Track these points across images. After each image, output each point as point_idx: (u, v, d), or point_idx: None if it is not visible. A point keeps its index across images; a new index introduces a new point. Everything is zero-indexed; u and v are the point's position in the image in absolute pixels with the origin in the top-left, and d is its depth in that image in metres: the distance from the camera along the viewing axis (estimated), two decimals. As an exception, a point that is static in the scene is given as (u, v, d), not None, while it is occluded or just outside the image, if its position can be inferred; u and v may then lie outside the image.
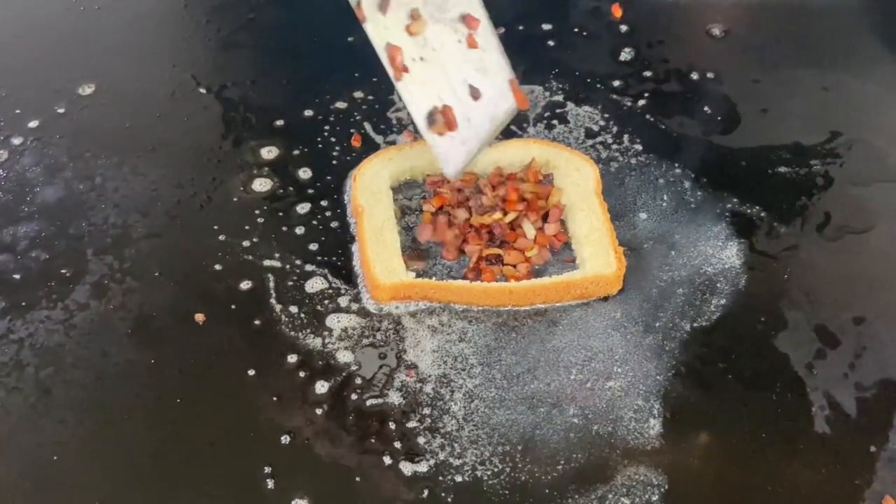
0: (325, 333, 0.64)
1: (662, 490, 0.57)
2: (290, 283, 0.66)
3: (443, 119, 0.63)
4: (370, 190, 0.70)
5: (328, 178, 0.73)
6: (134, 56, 0.83)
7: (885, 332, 0.64)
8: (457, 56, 0.65)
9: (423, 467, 0.57)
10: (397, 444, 0.58)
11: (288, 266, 0.67)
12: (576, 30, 0.86)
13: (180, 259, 0.68)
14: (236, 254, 0.68)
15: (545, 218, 0.69)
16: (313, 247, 0.69)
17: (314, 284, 0.66)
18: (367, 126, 0.77)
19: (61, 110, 0.78)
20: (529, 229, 0.67)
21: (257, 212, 0.71)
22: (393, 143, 0.75)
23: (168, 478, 0.57)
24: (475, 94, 0.64)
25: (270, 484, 0.57)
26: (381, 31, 0.63)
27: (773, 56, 0.84)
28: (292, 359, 0.62)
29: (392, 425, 0.59)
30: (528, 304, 0.65)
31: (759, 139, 0.77)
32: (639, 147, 0.76)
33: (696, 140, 0.77)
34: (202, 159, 0.75)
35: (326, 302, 0.65)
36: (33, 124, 0.77)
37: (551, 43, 0.84)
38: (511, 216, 0.68)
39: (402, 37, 0.64)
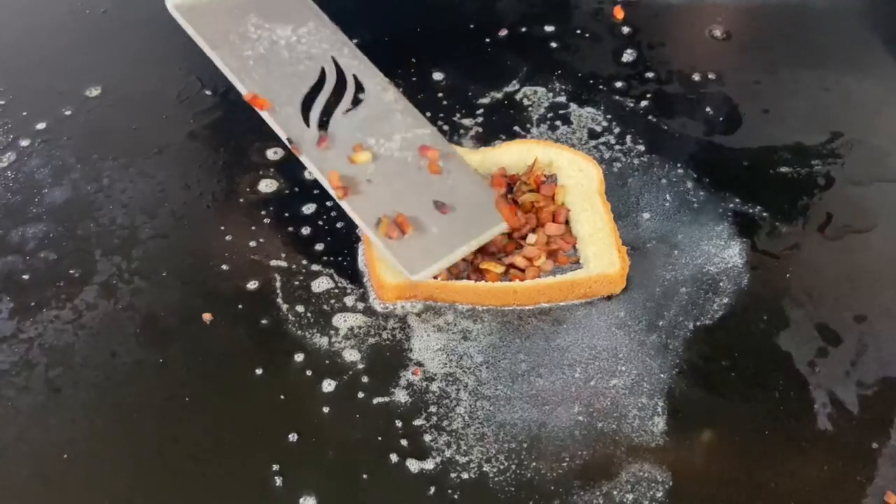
0: (332, 332, 0.64)
1: (667, 486, 0.57)
2: (297, 283, 0.67)
3: (393, 224, 0.64)
4: (375, 190, 0.70)
5: (333, 178, 0.74)
6: (140, 58, 0.84)
7: (887, 331, 0.65)
8: (416, 178, 0.67)
9: (429, 465, 0.58)
10: (404, 442, 0.59)
11: (294, 266, 0.68)
12: (578, 32, 0.86)
13: (187, 259, 0.69)
14: (243, 254, 0.69)
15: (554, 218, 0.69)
16: (319, 247, 0.69)
17: (320, 284, 0.67)
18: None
19: (68, 112, 0.79)
20: (531, 238, 0.67)
21: (263, 212, 0.71)
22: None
23: (176, 476, 0.58)
24: (442, 208, 0.65)
25: (278, 482, 0.57)
26: (318, 162, 0.65)
27: (774, 57, 0.84)
28: (299, 358, 0.63)
29: (398, 423, 0.60)
30: (532, 303, 0.66)
31: (761, 139, 0.77)
32: (641, 147, 0.76)
33: (699, 140, 0.77)
34: (209, 160, 0.75)
35: (333, 301, 0.66)
36: (41, 126, 0.77)
37: (554, 45, 0.85)
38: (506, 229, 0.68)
39: (345, 165, 0.66)
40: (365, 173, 0.65)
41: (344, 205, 0.64)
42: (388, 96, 0.70)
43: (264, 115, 0.66)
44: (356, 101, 0.69)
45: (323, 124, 0.67)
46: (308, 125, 0.67)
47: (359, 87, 0.69)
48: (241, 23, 0.68)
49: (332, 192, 0.65)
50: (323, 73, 0.69)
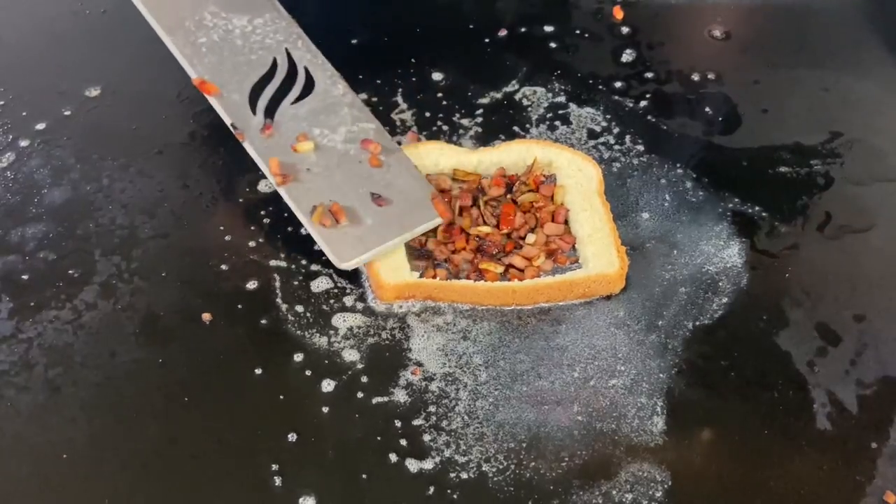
0: (331, 332, 0.64)
1: (666, 486, 0.57)
2: (296, 283, 0.67)
3: (328, 212, 0.65)
4: (375, 190, 0.70)
5: (333, 178, 0.74)
6: (140, 58, 0.83)
7: (886, 330, 0.65)
8: (356, 171, 0.68)
9: (428, 465, 0.58)
10: (403, 442, 0.59)
11: (294, 266, 0.68)
12: (577, 32, 0.86)
13: (187, 259, 0.69)
14: (242, 254, 0.69)
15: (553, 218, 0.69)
16: (318, 246, 0.69)
17: (320, 284, 0.67)
18: (372, 127, 0.77)
19: (68, 112, 0.79)
20: (531, 238, 0.68)
21: (263, 212, 0.72)
22: (398, 143, 0.76)
23: (176, 476, 0.58)
24: (378, 200, 0.66)
25: (278, 481, 0.57)
26: (261, 149, 0.67)
27: (774, 57, 0.84)
28: (298, 357, 0.63)
29: (398, 423, 0.60)
30: (531, 303, 0.66)
31: (760, 139, 0.77)
32: (641, 147, 0.76)
33: (698, 140, 0.77)
34: (208, 160, 0.75)
35: (332, 301, 0.66)
36: (40, 126, 0.77)
37: (553, 45, 0.85)
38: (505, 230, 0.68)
39: (287, 154, 0.67)
40: (306, 163, 0.67)
41: (281, 192, 0.66)
42: (337, 90, 0.71)
43: (212, 100, 0.68)
44: (304, 93, 0.71)
45: (269, 113, 0.68)
46: (254, 113, 0.68)
47: (309, 80, 0.70)
48: (199, 10, 0.70)
49: (271, 179, 0.66)
50: (275, 63, 0.71)
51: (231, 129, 0.67)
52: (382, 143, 0.69)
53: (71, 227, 0.71)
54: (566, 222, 0.69)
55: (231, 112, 0.67)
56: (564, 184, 0.71)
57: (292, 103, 0.69)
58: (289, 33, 0.72)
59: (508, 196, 0.70)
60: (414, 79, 0.81)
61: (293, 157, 0.66)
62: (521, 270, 0.66)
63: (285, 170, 0.66)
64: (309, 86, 0.70)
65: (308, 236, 0.70)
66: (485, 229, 0.68)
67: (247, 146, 0.66)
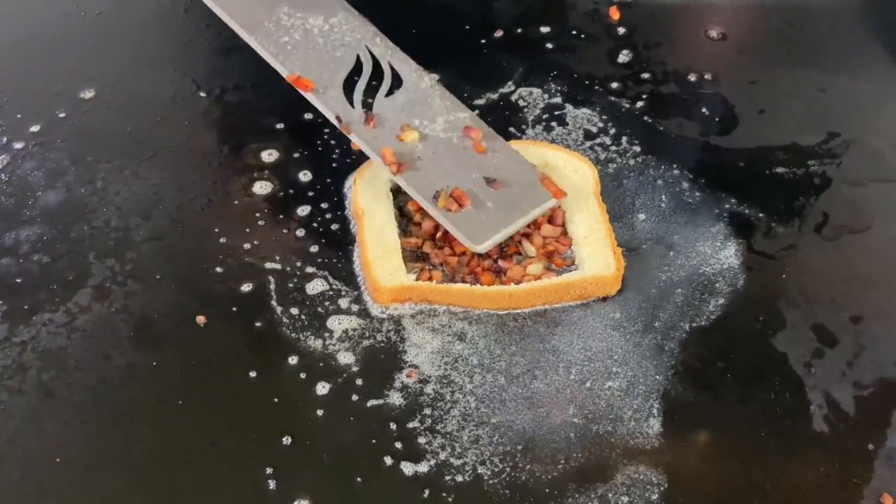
0: (326, 335, 0.64)
1: (662, 489, 0.57)
2: (291, 285, 0.67)
3: (451, 197, 0.66)
4: (371, 192, 0.70)
5: (328, 180, 0.73)
6: (134, 60, 0.83)
7: (883, 331, 0.65)
8: (464, 157, 0.68)
9: (423, 467, 0.58)
10: (398, 445, 0.59)
11: (289, 268, 0.68)
12: (574, 32, 0.86)
13: (181, 262, 0.68)
14: (237, 256, 0.69)
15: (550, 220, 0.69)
16: (314, 249, 0.69)
17: (315, 286, 0.67)
18: (367, 129, 0.77)
19: (62, 115, 0.78)
20: (530, 249, 0.67)
21: (258, 214, 0.71)
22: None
23: (170, 479, 0.58)
24: (493, 184, 0.67)
25: (272, 485, 0.57)
26: (369, 140, 0.68)
27: (771, 57, 0.84)
28: (293, 360, 0.63)
29: (393, 426, 0.60)
30: (528, 305, 0.65)
31: (757, 140, 0.77)
32: (637, 148, 0.76)
33: (694, 141, 0.77)
34: (203, 163, 0.75)
35: (327, 304, 0.66)
36: (34, 129, 0.77)
37: (550, 45, 0.85)
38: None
39: (394, 143, 0.68)
40: (414, 152, 0.67)
41: (399, 180, 0.66)
42: (424, 82, 0.72)
43: (308, 96, 0.68)
44: (395, 87, 0.71)
45: (367, 106, 0.69)
46: (353, 106, 0.69)
47: (395, 74, 0.71)
48: (274, 11, 0.71)
49: (384, 169, 0.67)
50: (358, 59, 0.72)
51: (335, 122, 0.68)
52: (483, 129, 0.70)
53: (65, 229, 0.70)
54: (562, 224, 0.69)
55: (331, 106, 0.68)
56: (561, 185, 0.71)
57: (385, 97, 0.70)
58: (365, 31, 0.73)
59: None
60: (410, 80, 0.81)
61: (401, 147, 0.67)
62: (518, 282, 0.66)
63: (398, 159, 0.66)
64: (397, 79, 0.71)
65: (302, 238, 0.70)
66: None
67: (354, 139, 0.67)
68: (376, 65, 0.72)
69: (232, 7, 0.71)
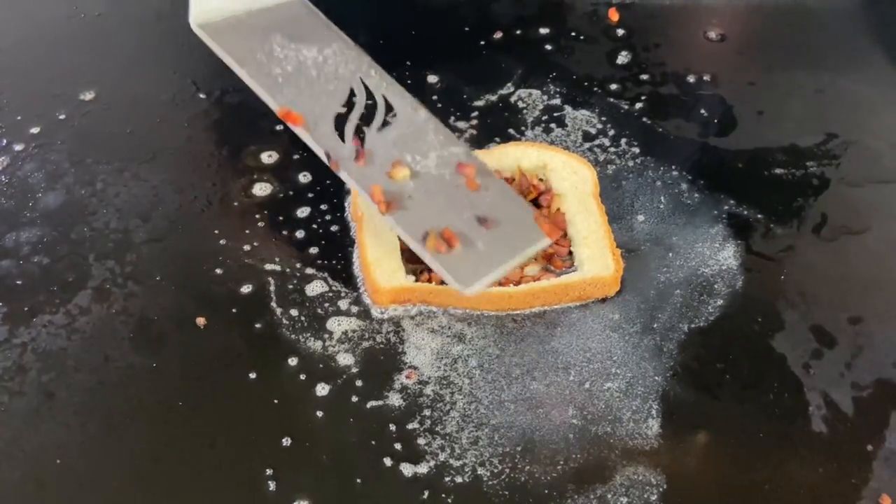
0: (326, 336, 0.64)
1: (661, 490, 0.57)
2: (291, 287, 0.67)
3: (440, 238, 0.63)
4: (369, 194, 0.70)
5: (328, 182, 0.74)
6: (134, 62, 0.84)
7: (881, 332, 0.65)
8: (456, 195, 0.66)
9: (423, 468, 0.58)
10: (398, 446, 0.59)
11: (288, 269, 0.68)
12: (573, 34, 0.86)
13: (181, 263, 0.69)
14: (237, 258, 0.69)
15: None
16: (313, 250, 0.69)
17: (315, 288, 0.67)
18: (367, 130, 0.77)
19: (62, 116, 0.78)
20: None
21: (258, 216, 0.71)
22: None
23: (170, 480, 0.58)
24: (485, 223, 0.65)
25: (272, 486, 0.57)
26: (359, 177, 0.65)
27: (769, 58, 0.84)
28: (293, 362, 0.63)
29: (392, 427, 0.60)
30: (526, 307, 0.66)
31: (756, 141, 0.77)
32: (636, 150, 0.76)
33: (693, 142, 0.77)
34: (203, 164, 0.75)
35: (327, 305, 0.66)
36: (34, 130, 0.77)
37: (549, 47, 0.85)
38: None
39: (385, 181, 0.65)
40: (404, 189, 0.65)
41: (388, 220, 0.64)
42: (419, 116, 0.70)
43: (298, 131, 0.66)
44: (388, 121, 0.69)
45: (358, 141, 0.67)
46: (343, 141, 0.66)
47: (389, 107, 0.69)
48: (267, 42, 0.69)
49: (373, 208, 0.64)
50: (352, 92, 0.69)
51: (324, 158, 0.65)
52: (476, 165, 0.68)
53: (65, 231, 0.70)
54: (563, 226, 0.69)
55: (321, 141, 0.66)
56: (560, 186, 0.71)
57: (378, 131, 0.68)
58: (360, 62, 0.71)
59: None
60: (409, 81, 0.80)
61: (391, 185, 0.65)
62: (517, 283, 0.66)
63: (387, 197, 0.64)
64: (390, 113, 0.69)
65: (302, 240, 0.70)
66: None
67: (343, 176, 0.65)
68: (370, 98, 0.69)
69: (224, 39, 0.68)
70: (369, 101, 0.69)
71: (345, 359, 0.63)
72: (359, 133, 0.67)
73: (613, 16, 0.87)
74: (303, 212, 0.72)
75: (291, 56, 0.69)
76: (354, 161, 0.65)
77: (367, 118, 0.68)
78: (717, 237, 0.70)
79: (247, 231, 0.70)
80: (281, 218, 0.71)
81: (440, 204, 0.65)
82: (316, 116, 0.66)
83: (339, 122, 0.67)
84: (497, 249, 0.64)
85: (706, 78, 0.82)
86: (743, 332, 0.65)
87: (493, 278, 0.63)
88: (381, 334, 0.64)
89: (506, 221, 0.65)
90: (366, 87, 0.69)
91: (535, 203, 0.70)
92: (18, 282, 0.67)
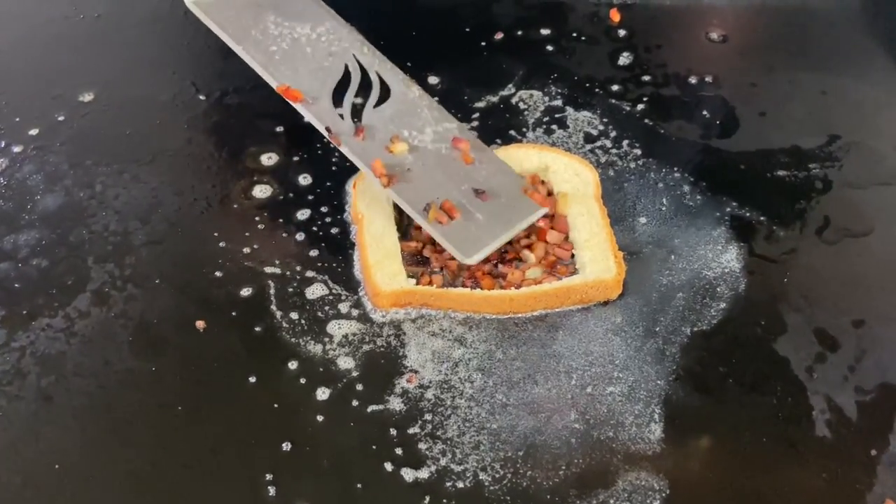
0: (326, 340, 0.64)
1: (664, 495, 0.57)
2: (291, 290, 0.66)
3: (440, 210, 0.66)
4: (370, 196, 0.70)
5: (328, 184, 0.73)
6: (134, 63, 0.83)
7: (885, 336, 0.64)
8: (453, 168, 0.68)
9: (424, 473, 0.57)
10: (398, 451, 0.58)
11: (288, 272, 0.68)
12: (574, 35, 0.86)
13: (181, 266, 0.68)
14: (237, 260, 0.68)
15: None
16: (314, 253, 0.69)
17: (315, 291, 0.67)
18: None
19: (61, 118, 0.78)
20: (530, 257, 0.67)
21: (257, 218, 0.71)
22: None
23: (169, 485, 0.57)
24: (482, 195, 0.67)
25: (272, 491, 0.57)
26: (359, 152, 0.67)
27: (772, 60, 0.84)
28: (293, 365, 0.62)
29: (393, 431, 0.59)
30: (528, 310, 0.65)
31: (758, 143, 0.77)
32: (638, 151, 0.76)
33: (695, 144, 0.77)
34: (202, 166, 0.75)
35: (327, 308, 0.65)
36: (33, 132, 0.77)
37: (550, 48, 0.85)
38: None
39: (384, 154, 0.67)
40: (403, 163, 0.67)
41: (390, 193, 0.66)
42: (412, 93, 0.72)
43: (298, 107, 0.68)
44: (383, 97, 0.71)
45: (356, 116, 0.69)
46: (342, 117, 0.68)
47: (384, 84, 0.71)
48: (261, 20, 0.70)
49: (375, 181, 0.66)
50: (347, 69, 0.71)
51: (325, 133, 0.67)
52: (470, 140, 0.70)
53: (64, 233, 0.70)
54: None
55: (320, 117, 0.68)
56: (561, 188, 0.71)
57: (374, 107, 0.70)
58: (353, 40, 0.72)
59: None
60: (410, 83, 0.81)
61: (390, 159, 0.67)
62: (518, 287, 0.65)
63: (388, 171, 0.66)
64: (385, 89, 0.71)
65: (302, 242, 0.69)
66: None
67: (344, 150, 0.67)
68: (364, 74, 0.71)
69: (220, 16, 0.70)
70: (364, 78, 0.71)
71: (345, 362, 0.63)
72: (357, 109, 0.69)
73: (615, 17, 0.87)
74: (303, 214, 0.71)
75: (286, 33, 0.70)
76: (354, 136, 0.67)
77: (363, 94, 0.70)
78: (720, 239, 0.70)
79: (247, 233, 0.70)
80: (281, 220, 0.71)
81: (438, 177, 0.67)
82: (314, 93, 0.68)
83: (337, 98, 0.69)
84: (495, 220, 0.66)
85: (708, 79, 0.82)
86: (746, 336, 0.64)
87: (492, 248, 0.66)
88: (382, 338, 0.64)
89: (501, 193, 0.68)
90: (360, 64, 0.71)
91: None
92: (17, 285, 0.67)
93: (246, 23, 0.70)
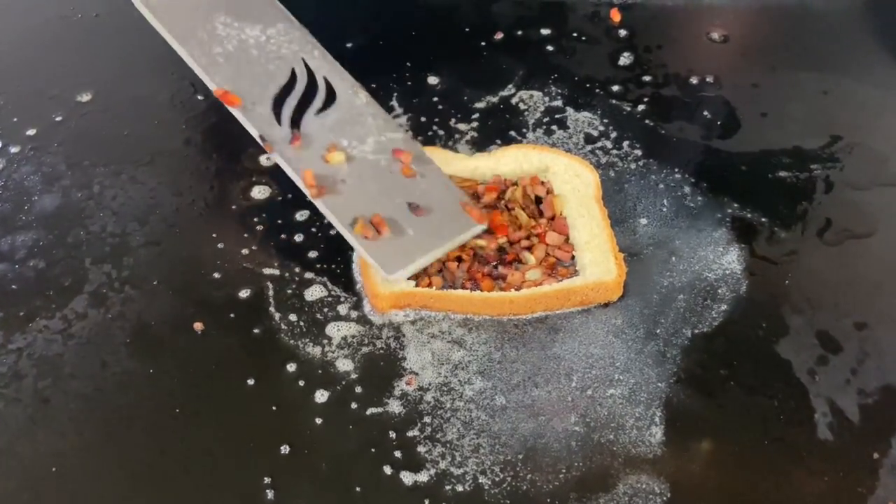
0: (325, 342, 0.63)
1: (665, 498, 0.56)
2: (290, 292, 0.66)
3: (369, 224, 0.64)
4: (369, 197, 0.69)
5: (327, 185, 0.73)
6: (132, 63, 0.83)
7: (887, 338, 0.64)
8: (390, 181, 0.66)
9: (423, 477, 0.57)
10: (398, 454, 0.58)
11: (287, 274, 0.67)
12: (575, 35, 0.85)
13: (179, 267, 0.68)
14: (235, 262, 0.68)
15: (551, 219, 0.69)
16: (312, 254, 0.68)
17: (314, 292, 0.66)
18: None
19: (59, 118, 0.78)
20: (530, 259, 0.67)
21: (256, 219, 0.71)
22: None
23: (167, 488, 0.57)
24: (417, 210, 0.65)
25: (270, 495, 0.56)
26: (292, 160, 0.65)
27: (773, 60, 0.84)
28: (292, 367, 0.62)
29: (392, 434, 0.59)
30: (528, 312, 0.65)
31: (759, 144, 0.76)
32: (638, 152, 0.75)
33: (696, 145, 0.76)
34: (200, 167, 0.75)
35: (326, 310, 0.65)
36: (31, 132, 0.77)
37: (550, 48, 0.84)
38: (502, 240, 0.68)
39: (318, 164, 0.65)
40: (339, 174, 0.65)
41: (318, 204, 0.64)
42: (359, 100, 0.70)
43: (235, 112, 0.66)
44: (327, 104, 0.69)
45: (295, 124, 0.67)
46: (280, 124, 0.66)
47: (330, 90, 0.69)
48: (210, 20, 0.68)
49: (305, 192, 0.64)
50: (293, 73, 0.69)
51: (259, 140, 0.65)
52: (413, 151, 0.68)
53: (61, 234, 0.70)
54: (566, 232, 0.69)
55: (256, 123, 0.65)
56: (562, 189, 0.70)
57: (316, 114, 0.68)
58: (304, 43, 0.70)
59: (502, 202, 0.69)
60: (409, 83, 0.81)
61: (325, 169, 0.65)
62: (518, 288, 0.65)
63: (320, 181, 0.64)
64: (331, 96, 0.69)
65: (301, 244, 0.69)
66: (480, 242, 0.67)
67: (276, 158, 0.65)
68: (311, 80, 0.69)
69: (167, 16, 0.67)
70: (310, 83, 0.69)
71: (344, 365, 0.62)
72: (297, 116, 0.67)
73: (615, 17, 0.86)
74: (302, 215, 0.71)
75: (234, 35, 0.68)
76: (289, 144, 0.65)
77: (305, 100, 0.68)
78: (721, 241, 0.69)
79: (245, 235, 0.70)
80: (280, 221, 0.71)
81: (373, 190, 0.66)
82: (254, 97, 0.66)
83: (278, 104, 0.67)
84: (426, 236, 0.64)
85: (709, 79, 0.81)
86: (747, 338, 0.64)
87: (419, 265, 0.64)
88: (381, 340, 0.64)
89: (438, 209, 0.66)
90: (308, 69, 0.69)
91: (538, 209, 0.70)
92: (14, 286, 0.67)
93: (193, 23, 0.68)
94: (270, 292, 0.66)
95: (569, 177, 0.71)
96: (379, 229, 0.63)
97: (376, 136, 0.68)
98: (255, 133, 0.65)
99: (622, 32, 0.86)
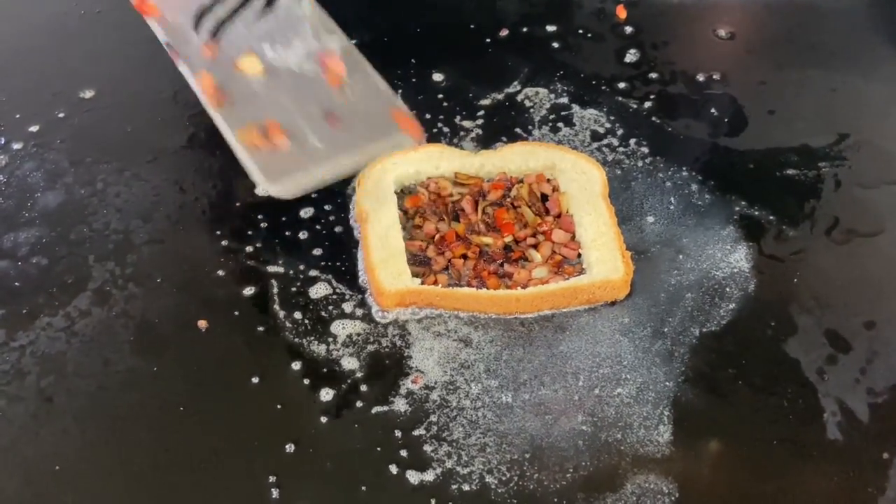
0: (330, 340, 0.63)
1: (673, 498, 0.56)
2: (294, 289, 0.66)
3: (261, 130, 0.57)
4: (375, 195, 0.69)
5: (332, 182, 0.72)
6: (135, 59, 0.82)
7: (897, 337, 0.64)
8: (309, 89, 0.60)
9: (429, 476, 0.57)
10: (403, 453, 0.58)
11: (291, 271, 0.67)
12: (580, 31, 0.85)
13: (182, 265, 0.67)
14: (239, 259, 0.67)
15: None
16: (317, 252, 0.68)
17: (318, 290, 0.66)
18: (371, 129, 0.76)
19: (62, 115, 0.77)
20: (536, 256, 0.66)
21: (260, 216, 0.70)
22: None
23: (171, 487, 0.57)
24: (332, 120, 0.58)
25: (275, 493, 0.56)
26: (197, 68, 0.60)
27: (780, 57, 0.83)
28: (296, 366, 0.62)
29: (398, 433, 0.58)
30: (535, 310, 0.64)
31: (767, 141, 0.76)
32: (645, 150, 0.75)
33: (703, 142, 0.76)
34: (204, 164, 0.74)
35: (331, 308, 0.65)
36: (34, 129, 0.76)
37: (556, 45, 0.84)
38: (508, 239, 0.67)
39: (229, 73, 0.59)
40: (250, 83, 0.60)
41: (213, 114, 0.58)
42: (301, 9, 0.64)
43: (150, 21, 0.60)
44: (264, 14, 0.63)
45: (214, 33, 0.61)
46: (197, 32, 0.61)
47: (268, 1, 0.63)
48: None
49: (204, 102, 0.58)
50: None
51: (166, 48, 0.59)
52: (346, 59, 0.61)
53: (64, 232, 0.69)
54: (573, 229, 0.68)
55: (170, 32, 0.60)
56: (568, 187, 0.70)
57: (247, 25, 0.62)
58: None
59: (508, 199, 0.69)
60: (414, 80, 0.80)
61: (235, 78, 0.58)
62: (524, 286, 0.65)
63: (222, 89, 0.58)
64: (269, 5, 0.63)
65: (305, 241, 0.69)
66: (486, 240, 0.66)
67: (181, 67, 0.59)
68: None
69: None
70: None
71: (349, 363, 0.62)
72: (220, 26, 0.62)
73: (621, 13, 0.86)
74: (306, 212, 0.70)
75: None
76: (202, 53, 0.59)
77: (237, 11, 0.63)
78: (729, 239, 0.69)
79: (249, 232, 0.69)
80: (284, 218, 0.70)
81: (284, 98, 0.59)
82: (178, 6, 0.61)
83: (202, 15, 0.62)
84: (331, 147, 0.57)
85: (716, 77, 0.81)
86: (755, 337, 0.63)
87: (312, 179, 0.57)
88: (387, 338, 0.63)
89: (360, 120, 0.59)
90: None
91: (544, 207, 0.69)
92: (17, 283, 0.66)
93: None
94: (275, 290, 0.66)
95: (575, 174, 0.70)
96: (271, 137, 0.56)
97: (308, 43, 0.62)
98: (163, 40, 0.59)
99: (628, 29, 0.85)
